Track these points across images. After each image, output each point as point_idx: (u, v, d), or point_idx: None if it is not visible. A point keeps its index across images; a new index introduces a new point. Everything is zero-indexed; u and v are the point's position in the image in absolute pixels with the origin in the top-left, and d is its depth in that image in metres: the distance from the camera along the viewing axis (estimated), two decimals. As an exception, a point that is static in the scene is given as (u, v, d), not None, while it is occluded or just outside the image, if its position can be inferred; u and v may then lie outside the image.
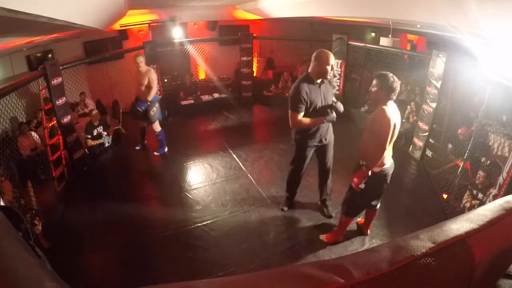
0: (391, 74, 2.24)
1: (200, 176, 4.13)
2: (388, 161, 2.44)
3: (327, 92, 2.77)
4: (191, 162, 4.47)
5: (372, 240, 2.98)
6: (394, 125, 2.22)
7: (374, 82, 2.30)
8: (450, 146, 3.95)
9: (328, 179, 3.21)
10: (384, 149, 2.25)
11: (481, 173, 3.05)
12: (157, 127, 4.60)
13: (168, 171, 4.31)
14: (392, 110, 2.23)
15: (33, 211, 2.97)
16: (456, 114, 4.15)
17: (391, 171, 2.49)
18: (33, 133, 4.36)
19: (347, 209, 2.69)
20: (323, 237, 2.96)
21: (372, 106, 2.47)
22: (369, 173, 2.33)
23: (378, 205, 2.79)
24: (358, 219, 3.04)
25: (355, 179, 2.39)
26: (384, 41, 5.20)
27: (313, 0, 4.52)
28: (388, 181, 2.52)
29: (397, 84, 2.23)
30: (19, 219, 0.74)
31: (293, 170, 3.16)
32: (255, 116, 6.64)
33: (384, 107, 2.22)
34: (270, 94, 7.09)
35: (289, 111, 2.68)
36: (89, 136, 4.73)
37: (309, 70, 2.70)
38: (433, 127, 4.28)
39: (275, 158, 4.54)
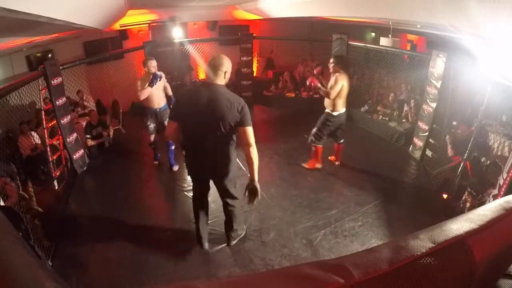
0: (344, 57, 3.77)
1: (200, 176, 4.12)
2: (341, 109, 3.72)
3: None
4: (191, 162, 4.46)
5: (372, 240, 2.98)
6: (343, 85, 3.54)
7: (332, 60, 3.64)
8: (447, 137, 3.96)
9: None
10: (330, 94, 3.55)
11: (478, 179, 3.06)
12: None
13: (168, 171, 4.31)
14: (342, 77, 3.55)
15: (33, 211, 2.97)
16: (456, 114, 4.15)
17: (343, 117, 3.80)
18: (33, 133, 4.36)
19: (314, 139, 3.89)
20: (305, 164, 4.15)
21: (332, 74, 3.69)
22: (319, 85, 3.66)
23: (342, 140, 4.08)
24: (330, 157, 4.30)
25: (311, 79, 3.77)
26: (384, 41, 5.20)
27: (313, 0, 4.52)
28: (340, 125, 3.84)
29: (348, 60, 3.89)
30: (19, 219, 0.74)
31: (237, 203, 2.70)
32: (255, 116, 6.62)
33: (337, 74, 3.57)
34: (270, 94, 7.09)
35: (247, 128, 2.19)
36: (89, 136, 4.73)
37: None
38: (433, 127, 4.28)
39: (275, 158, 4.54)
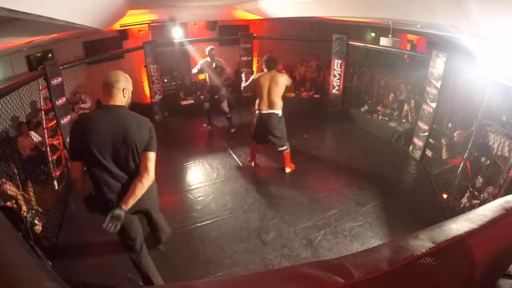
0: (268, 57, 3.74)
1: (200, 176, 4.13)
2: (262, 109, 3.79)
3: None
4: (191, 162, 4.47)
5: (372, 240, 2.98)
6: (262, 82, 3.67)
7: (263, 62, 3.76)
8: (443, 139, 3.97)
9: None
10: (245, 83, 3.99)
11: (480, 179, 3.05)
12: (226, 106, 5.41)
13: (168, 171, 4.31)
14: (262, 76, 3.70)
15: (33, 211, 2.97)
16: (456, 114, 4.16)
17: (262, 119, 3.83)
18: (33, 133, 4.36)
19: (252, 136, 4.11)
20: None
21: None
22: (243, 76, 4.31)
23: (280, 148, 4.02)
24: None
25: (228, 69, 5.06)
26: (384, 41, 5.20)
27: (313, 0, 4.52)
28: (264, 125, 3.84)
29: (271, 60, 3.74)
30: (19, 219, 0.74)
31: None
32: (255, 116, 6.62)
33: (260, 73, 3.76)
34: (270, 94, 7.08)
35: (152, 153, 1.94)
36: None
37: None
38: (433, 127, 4.28)
39: (274, 158, 4.54)
